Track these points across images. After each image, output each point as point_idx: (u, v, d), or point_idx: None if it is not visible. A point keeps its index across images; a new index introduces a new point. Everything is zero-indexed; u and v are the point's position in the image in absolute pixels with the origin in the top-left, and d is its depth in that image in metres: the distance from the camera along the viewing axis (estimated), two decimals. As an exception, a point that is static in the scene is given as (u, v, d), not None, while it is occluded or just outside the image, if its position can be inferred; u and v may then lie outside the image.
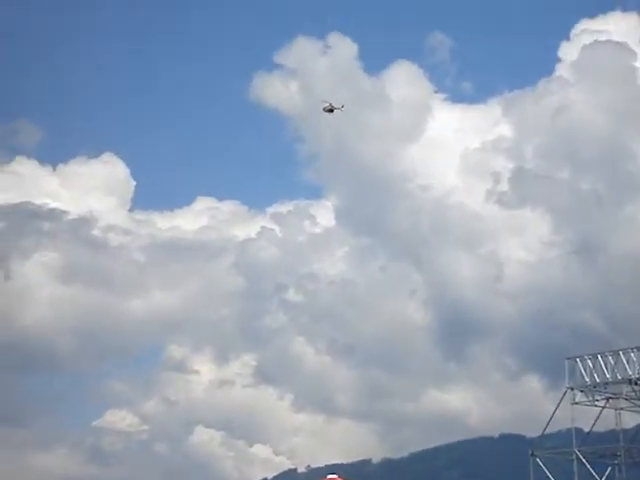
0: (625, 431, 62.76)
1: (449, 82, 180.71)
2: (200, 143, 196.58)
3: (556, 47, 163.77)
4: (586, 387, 65.02)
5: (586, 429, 66.48)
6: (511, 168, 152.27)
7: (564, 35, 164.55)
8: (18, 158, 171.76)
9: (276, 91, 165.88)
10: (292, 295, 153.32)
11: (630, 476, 60.77)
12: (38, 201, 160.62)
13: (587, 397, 65.45)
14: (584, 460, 58.38)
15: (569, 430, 64.50)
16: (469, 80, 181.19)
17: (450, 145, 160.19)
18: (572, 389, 64.99)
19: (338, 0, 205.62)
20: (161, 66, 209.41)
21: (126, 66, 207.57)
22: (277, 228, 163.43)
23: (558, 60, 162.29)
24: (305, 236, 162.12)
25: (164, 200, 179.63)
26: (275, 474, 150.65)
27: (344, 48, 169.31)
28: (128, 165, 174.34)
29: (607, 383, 63.64)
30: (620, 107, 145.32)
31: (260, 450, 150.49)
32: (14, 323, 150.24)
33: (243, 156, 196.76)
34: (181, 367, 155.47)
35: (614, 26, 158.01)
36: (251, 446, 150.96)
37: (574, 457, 58.55)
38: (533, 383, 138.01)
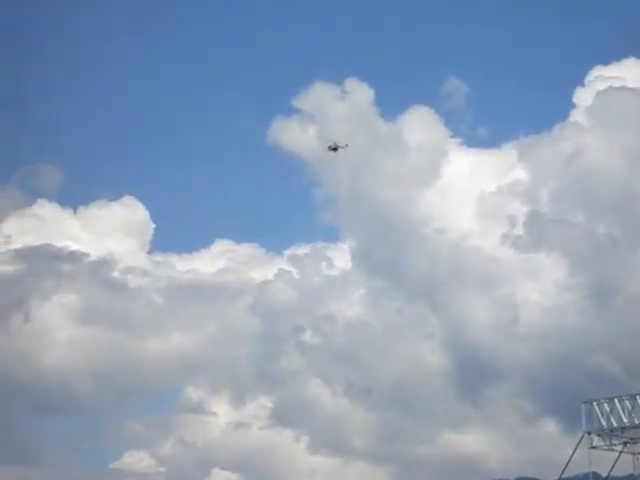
0: (642, 475, 63.35)
1: (465, 127, 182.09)
2: (218, 186, 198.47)
3: (571, 93, 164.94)
4: (603, 431, 65.74)
5: (604, 473, 67.16)
6: (526, 212, 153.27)
7: (579, 81, 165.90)
8: (39, 201, 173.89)
9: (294, 135, 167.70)
10: (309, 337, 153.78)
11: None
12: (59, 243, 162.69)
13: (604, 441, 66.19)
14: (602, 504, 59.04)
15: (587, 474, 65.17)
16: (485, 125, 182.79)
17: (466, 189, 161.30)
18: (589, 433, 65.74)
19: (355, 46, 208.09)
20: (180, 110, 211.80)
21: (145, 111, 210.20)
22: (294, 270, 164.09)
23: (573, 106, 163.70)
24: (322, 278, 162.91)
25: (183, 242, 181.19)
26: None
27: (361, 93, 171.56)
28: (148, 208, 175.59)
29: (624, 427, 64.40)
30: (635, 152, 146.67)
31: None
32: (33, 365, 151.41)
33: (261, 199, 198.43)
34: (198, 409, 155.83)
35: (628, 72, 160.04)
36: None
37: (592, 501, 59.27)
38: (550, 427, 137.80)
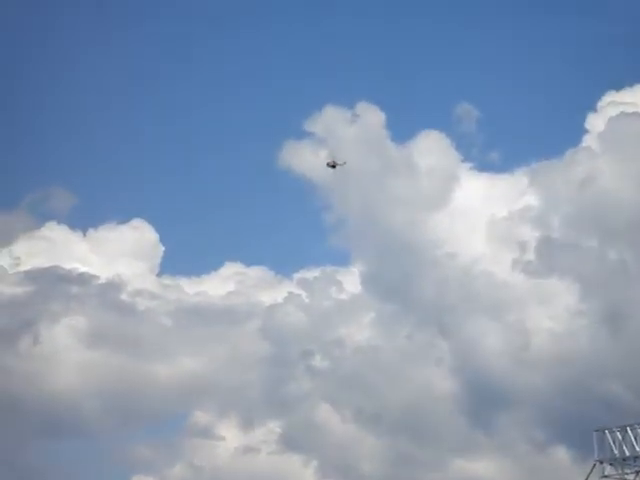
0: (655, 505, 62.40)
1: (476, 151, 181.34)
2: (228, 209, 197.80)
3: (583, 118, 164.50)
4: (615, 460, 64.87)
5: (616, 503, 66.18)
6: (538, 237, 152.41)
7: (591, 107, 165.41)
8: (49, 223, 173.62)
9: (305, 158, 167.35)
10: (318, 361, 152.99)
11: None
12: (68, 266, 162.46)
13: (616, 470, 65.32)
14: (614, 534, 58.12)
15: (598, 503, 64.25)
16: (496, 150, 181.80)
17: (477, 213, 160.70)
18: (601, 462, 64.92)
19: (366, 69, 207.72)
20: (190, 133, 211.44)
21: (155, 134, 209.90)
22: (304, 294, 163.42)
23: (585, 131, 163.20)
24: (331, 302, 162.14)
25: (192, 265, 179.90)
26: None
27: (372, 117, 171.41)
28: (157, 231, 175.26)
29: (637, 456, 63.52)
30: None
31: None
32: (41, 387, 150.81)
33: (271, 222, 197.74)
34: (207, 433, 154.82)
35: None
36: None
37: (604, 531, 58.34)
38: (561, 454, 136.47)
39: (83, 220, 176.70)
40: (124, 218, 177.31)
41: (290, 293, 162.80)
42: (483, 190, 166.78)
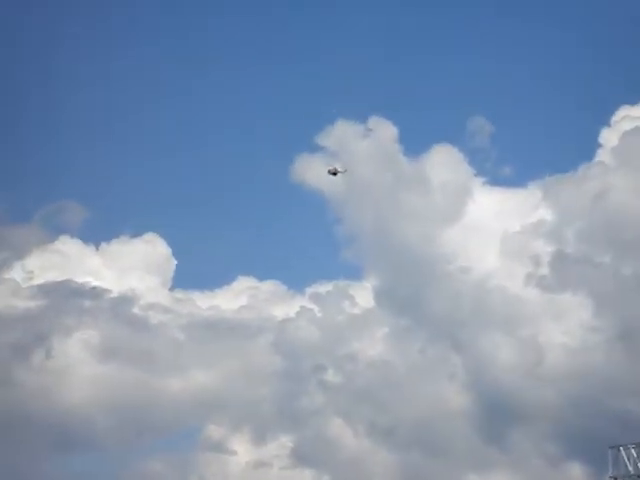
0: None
1: (489, 166, 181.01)
2: (241, 223, 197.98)
3: (597, 133, 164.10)
4: (630, 477, 64.51)
5: (631, 520, 65.69)
6: (551, 252, 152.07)
7: (605, 121, 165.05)
8: (62, 237, 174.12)
9: (317, 172, 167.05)
10: (330, 376, 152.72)
11: None
12: (80, 279, 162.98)
13: (631, 487, 64.91)
14: None
15: (613, 521, 63.78)
16: (509, 164, 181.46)
17: (490, 228, 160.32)
18: (615, 479, 64.50)
19: (379, 83, 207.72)
20: (202, 147, 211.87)
21: (168, 148, 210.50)
22: (316, 308, 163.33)
23: (599, 146, 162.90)
24: (344, 316, 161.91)
25: (205, 279, 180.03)
26: None
27: (385, 131, 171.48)
28: (170, 245, 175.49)
29: (652, 474, 63.13)
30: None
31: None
32: (54, 401, 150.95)
33: (283, 236, 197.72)
34: (219, 447, 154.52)
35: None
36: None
37: None
38: (575, 471, 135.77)
39: (96, 234, 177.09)
40: (137, 232, 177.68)
41: (302, 307, 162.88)
42: (496, 204, 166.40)
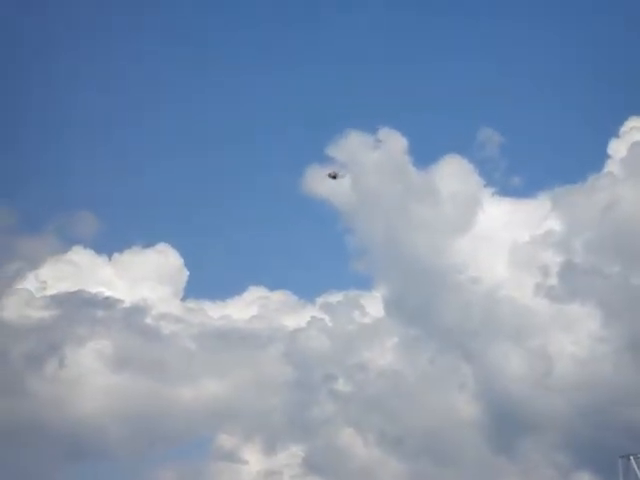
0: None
1: (498, 176, 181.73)
2: (252, 234, 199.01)
3: (605, 144, 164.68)
4: (641, 487, 65.16)
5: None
6: (560, 262, 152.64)
7: (613, 132, 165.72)
8: (75, 248, 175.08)
9: (327, 183, 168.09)
10: (341, 385, 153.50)
11: None
12: (93, 290, 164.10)
13: (642, 497, 65.57)
14: None
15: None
16: (518, 175, 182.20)
17: (499, 238, 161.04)
18: (627, 489, 65.19)
19: (388, 95, 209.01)
20: (213, 158, 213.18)
21: (180, 159, 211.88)
22: (327, 318, 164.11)
23: (607, 156, 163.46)
24: (354, 326, 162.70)
25: (216, 289, 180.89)
26: None
27: (394, 142, 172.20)
28: (182, 255, 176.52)
29: (663, 484, 63.80)
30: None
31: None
32: (66, 411, 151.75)
33: (294, 247, 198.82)
34: (231, 456, 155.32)
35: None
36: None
37: None
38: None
39: (108, 244, 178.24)
40: (149, 242, 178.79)
41: (313, 317, 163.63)
42: (506, 215, 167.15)
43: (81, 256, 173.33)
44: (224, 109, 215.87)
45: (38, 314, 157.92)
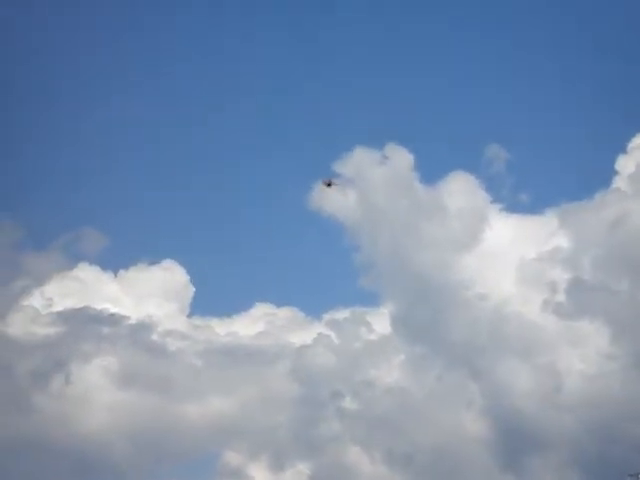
0: None
1: (505, 193, 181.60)
2: (259, 250, 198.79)
3: (613, 160, 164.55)
4: (650, 504, 64.63)
5: None
6: (568, 279, 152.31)
7: (621, 148, 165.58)
8: (81, 265, 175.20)
9: (334, 200, 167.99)
10: (348, 403, 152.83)
11: None
12: (99, 306, 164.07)
13: (652, 515, 65.04)
14: None
15: None
16: (526, 191, 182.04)
17: (507, 255, 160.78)
18: (636, 506, 64.63)
19: (395, 111, 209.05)
20: (220, 174, 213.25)
21: (186, 177, 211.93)
22: (333, 334, 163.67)
23: (615, 173, 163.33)
24: (361, 343, 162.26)
25: (222, 306, 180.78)
26: None
27: (401, 158, 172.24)
28: (188, 272, 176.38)
29: (673, 502, 63.27)
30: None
31: None
32: (72, 427, 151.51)
33: (301, 263, 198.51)
34: (237, 474, 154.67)
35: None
36: None
37: None
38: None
39: (114, 261, 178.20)
40: (155, 259, 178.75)
41: (320, 334, 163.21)
42: (513, 231, 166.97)
43: (87, 273, 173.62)
44: (232, 127, 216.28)
45: (44, 331, 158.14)
